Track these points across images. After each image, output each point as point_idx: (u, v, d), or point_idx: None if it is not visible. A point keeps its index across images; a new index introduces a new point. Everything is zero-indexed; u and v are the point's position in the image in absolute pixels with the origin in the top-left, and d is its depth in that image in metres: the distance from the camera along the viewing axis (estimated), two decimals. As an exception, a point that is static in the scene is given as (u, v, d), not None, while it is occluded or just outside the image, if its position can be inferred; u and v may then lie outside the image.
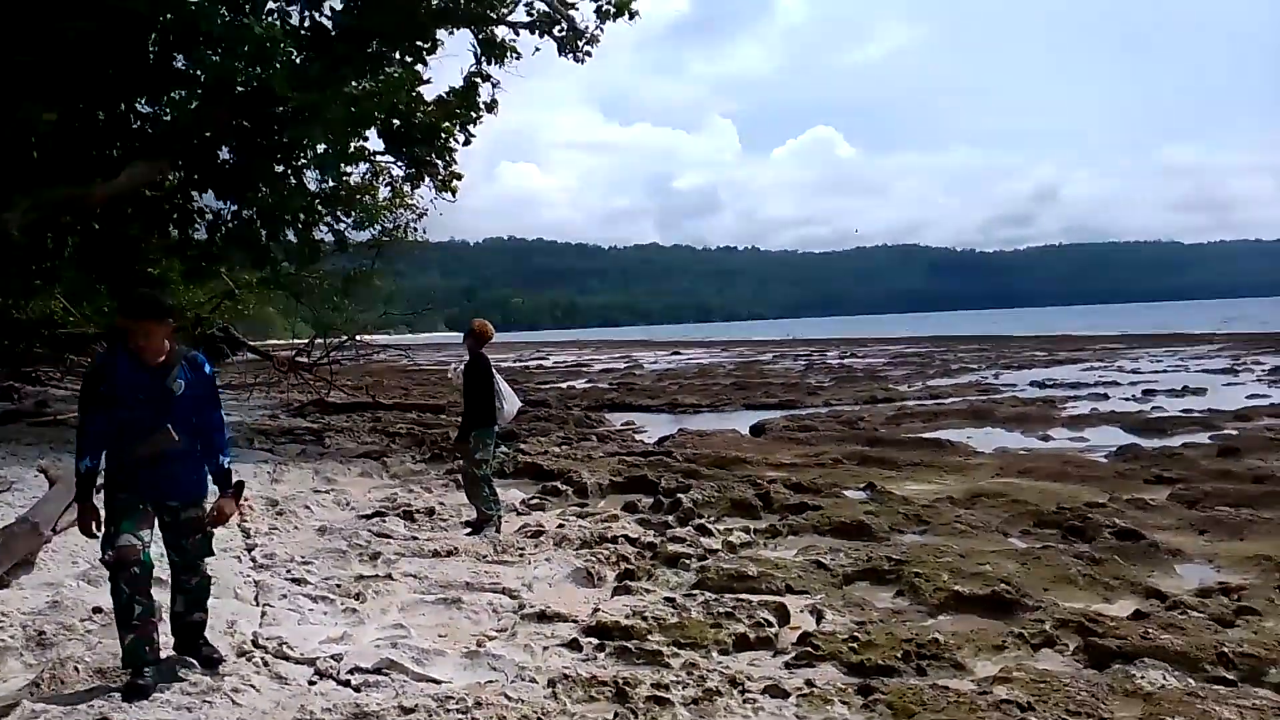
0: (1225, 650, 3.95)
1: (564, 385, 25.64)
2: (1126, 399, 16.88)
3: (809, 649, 4.06)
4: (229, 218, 13.68)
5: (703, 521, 6.70)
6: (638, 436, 13.42)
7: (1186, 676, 3.75)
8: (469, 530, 6.57)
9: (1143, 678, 3.61)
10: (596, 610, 4.52)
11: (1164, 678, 3.64)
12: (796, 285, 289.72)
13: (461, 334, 7.05)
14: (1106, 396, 17.43)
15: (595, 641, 4.13)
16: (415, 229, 15.98)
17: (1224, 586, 5.18)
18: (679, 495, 7.52)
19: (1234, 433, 11.64)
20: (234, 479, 3.81)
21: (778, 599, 4.80)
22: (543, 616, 4.53)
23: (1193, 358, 28.69)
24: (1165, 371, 23.48)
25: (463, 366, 6.85)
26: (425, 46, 12.46)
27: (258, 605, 4.84)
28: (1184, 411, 14.00)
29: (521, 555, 5.84)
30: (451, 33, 13.00)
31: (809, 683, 3.72)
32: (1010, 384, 21.35)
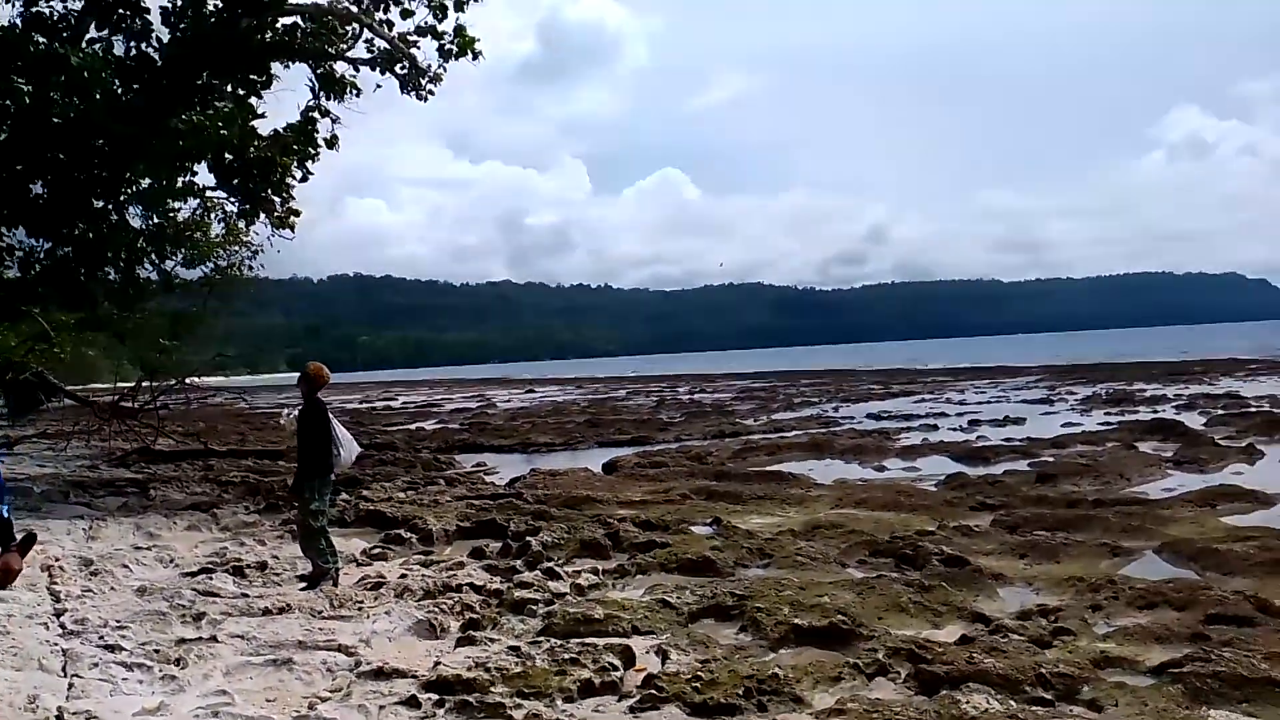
0: (1043, 671, 4.19)
1: (413, 426, 25.04)
2: (954, 429, 17.86)
3: (653, 691, 4.07)
4: (42, 255, 12.74)
5: (551, 565, 6.64)
6: (488, 478, 13.21)
7: (1008, 699, 3.95)
8: (304, 585, 6.27)
9: (968, 702, 3.78)
10: (438, 664, 4.39)
11: (987, 701, 3.82)
12: (648, 322, 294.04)
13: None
14: (936, 427, 18.39)
15: (435, 697, 4.00)
16: (251, 266, 15.32)
17: (1042, 608, 5.51)
18: (528, 538, 7.43)
19: (1050, 459, 12.46)
20: (14, 531, 3.39)
21: (624, 641, 4.78)
22: (380, 673, 4.36)
23: (1013, 389, 30.68)
24: (989, 402, 24.99)
25: (297, 413, 6.58)
26: (260, 80, 12.05)
27: (65, 676, 4.47)
28: (1005, 440, 14.92)
29: (360, 609, 5.62)
30: (288, 66, 12.65)
31: (653, 726, 3.72)
32: (849, 416, 22.23)
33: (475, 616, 5.27)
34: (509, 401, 37.92)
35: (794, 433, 18.36)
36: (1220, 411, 18.37)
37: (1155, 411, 19.20)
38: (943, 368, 55.73)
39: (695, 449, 15.92)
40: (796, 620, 5.01)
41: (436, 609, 5.40)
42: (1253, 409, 18.63)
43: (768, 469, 12.69)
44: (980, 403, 24.99)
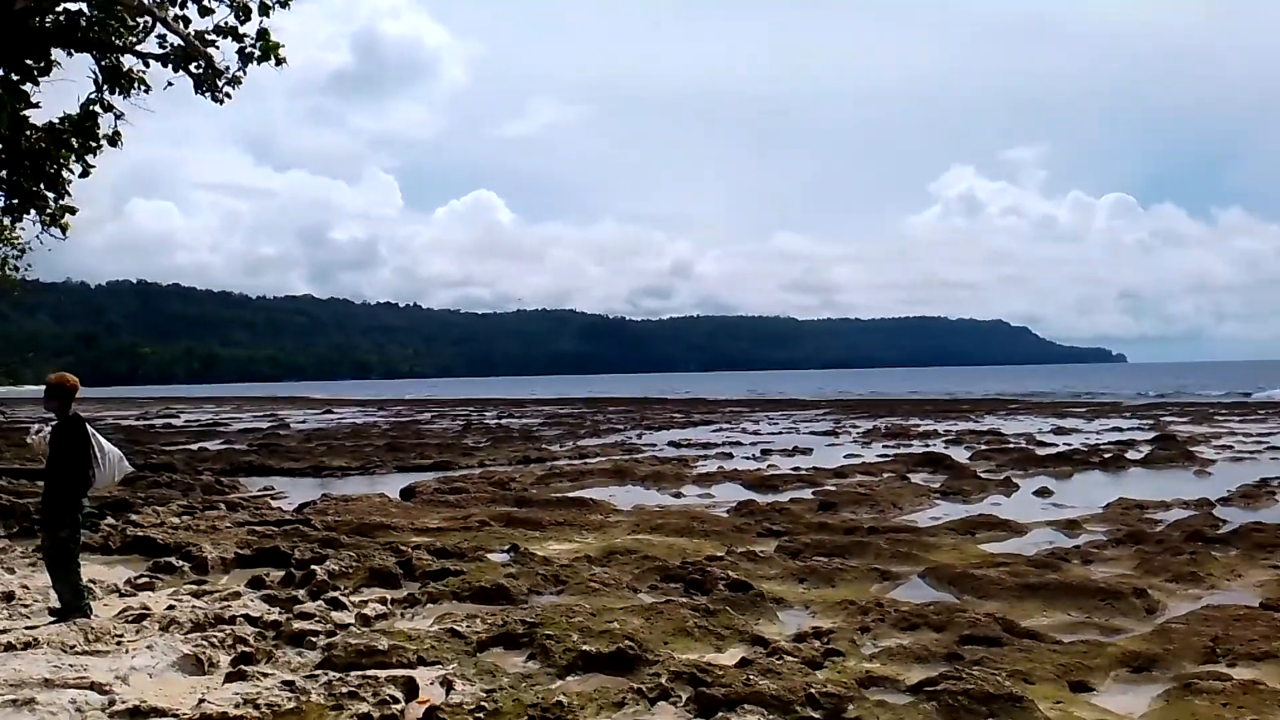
0: (813, 691, 4.41)
1: (195, 447, 23.47)
2: (748, 458, 18.58)
3: (434, 723, 3.98)
4: None
5: (337, 594, 6.38)
6: (275, 503, 12.55)
7: (780, 719, 4.13)
8: (53, 619, 5.72)
9: (741, 723, 3.93)
10: (202, 701, 4.12)
11: (759, 721, 3.98)
12: (458, 344, 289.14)
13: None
14: (731, 455, 19.07)
15: (197, 737, 3.76)
16: (16, 267, 13.99)
17: (816, 630, 5.80)
18: (313, 567, 7.12)
19: (833, 488, 13.17)
20: None
21: (407, 673, 4.66)
22: (137, 713, 4.05)
23: (803, 421, 32.29)
24: (780, 433, 26.17)
25: (48, 430, 5.94)
26: (37, 66, 11.08)
27: None
28: (793, 469, 15.66)
29: (119, 643, 5.19)
30: (70, 54, 11.69)
31: (432, 759, 3.65)
32: (651, 444, 22.70)
33: (248, 650, 4.98)
34: (304, 422, 36.25)
35: (598, 459, 18.53)
36: (983, 446, 20.05)
37: (927, 445, 20.70)
38: (741, 398, 57.94)
39: (499, 474, 15.76)
40: (585, 647, 5.05)
41: (206, 642, 5.06)
42: (1011, 445, 20.46)
43: (570, 495, 12.75)
44: (773, 433, 26.13)
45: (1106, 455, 17.38)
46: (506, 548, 8.51)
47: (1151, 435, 22.14)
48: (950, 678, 4.57)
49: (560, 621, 5.55)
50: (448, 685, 4.53)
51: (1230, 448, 19.13)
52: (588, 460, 18.43)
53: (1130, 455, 17.51)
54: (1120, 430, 25.23)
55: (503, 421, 34.89)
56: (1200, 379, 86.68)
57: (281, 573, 7.18)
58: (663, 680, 4.57)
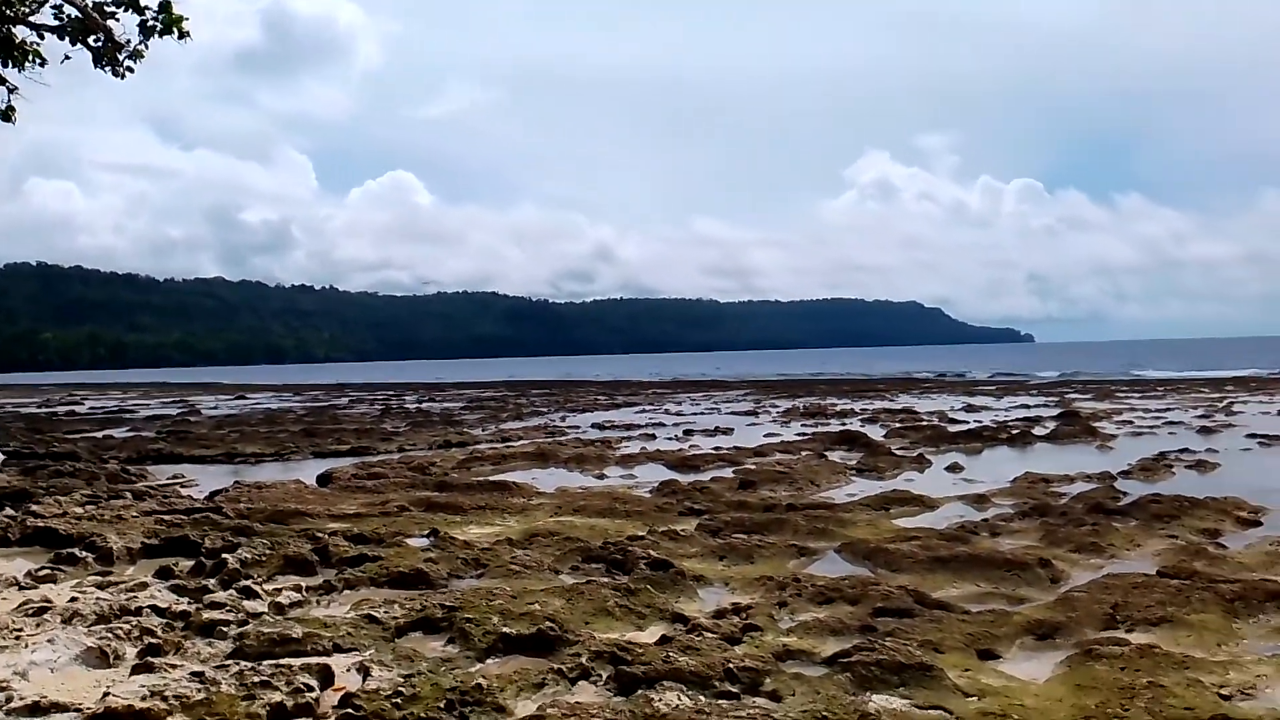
0: (731, 666, 4.47)
1: (100, 434, 22.62)
2: (670, 438, 18.70)
3: (350, 710, 3.93)
4: None
5: (249, 583, 6.23)
6: (185, 491, 12.18)
7: (698, 694, 4.18)
8: (-54, 614, 5.47)
9: (661, 700, 3.97)
10: (107, 694, 3.98)
11: (678, 697, 4.03)
12: (377, 328, 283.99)
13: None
14: (654, 436, 19.17)
15: (101, 732, 3.64)
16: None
17: (735, 606, 5.88)
18: (224, 555, 6.93)
19: (753, 467, 13.33)
20: None
21: (323, 660, 4.59)
22: (37, 709, 3.90)
23: (724, 401, 32.63)
24: (702, 414, 26.41)
25: None
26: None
27: None
28: (715, 449, 15.82)
29: (17, 638, 4.99)
30: (-44, 24, 11.10)
31: (348, 746, 3.60)
32: (575, 426, 22.68)
33: (155, 641, 4.82)
34: (215, 408, 35.24)
35: (521, 442, 18.44)
36: (897, 424, 20.53)
37: (844, 424, 21.11)
38: (664, 380, 58.28)
39: (419, 459, 15.56)
40: (505, 629, 5.03)
41: (111, 634, 4.90)
42: (924, 422, 21.00)
43: (492, 479, 12.65)
44: (695, 414, 26.35)
45: (1014, 431, 17.96)
46: (426, 532, 8.42)
47: (1057, 412, 22.94)
48: (864, 649, 4.69)
49: (480, 605, 5.52)
50: (364, 672, 4.47)
51: (1130, 423, 19.96)
52: (510, 443, 18.32)
53: (1037, 431, 18.14)
54: (1028, 407, 26.10)
55: (423, 405, 34.44)
56: (1103, 358, 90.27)
57: (191, 562, 6.98)
58: (583, 660, 4.59)
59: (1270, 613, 5.57)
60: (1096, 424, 19.20)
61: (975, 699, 4.20)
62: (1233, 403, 25.34)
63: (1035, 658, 5.00)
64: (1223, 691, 4.27)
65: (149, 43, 11.56)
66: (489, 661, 4.75)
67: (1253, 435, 16.48)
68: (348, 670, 4.54)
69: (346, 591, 6.28)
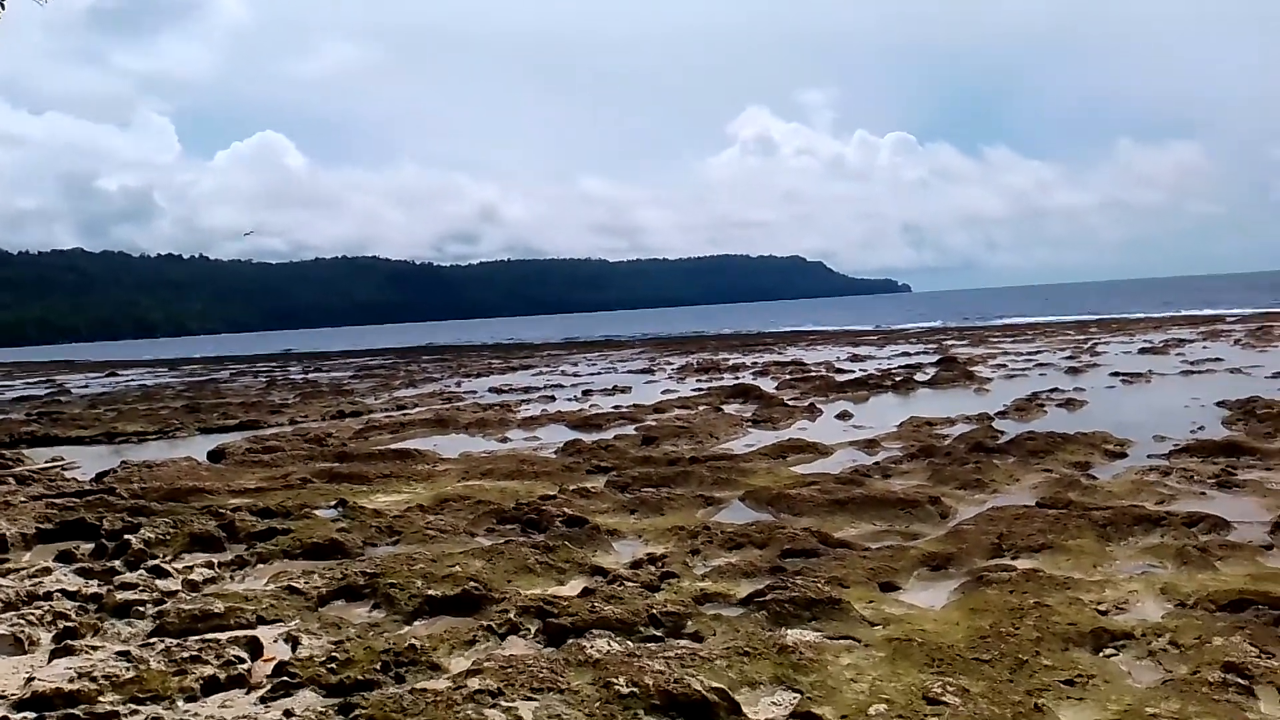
0: (654, 612, 4.68)
1: (-39, 420, 21.30)
2: (570, 400, 18.83)
3: (285, 678, 3.97)
4: None
5: (158, 562, 6.11)
6: (69, 474, 11.68)
7: (626, 639, 4.37)
8: None
9: (592, 647, 4.14)
10: (31, 679, 3.91)
11: (608, 644, 4.20)
12: (252, 297, 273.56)
13: None
14: (554, 398, 19.26)
15: (33, 715, 3.58)
16: None
17: (651, 557, 6.10)
18: (126, 536, 6.75)
19: (653, 424, 13.59)
20: None
21: (249, 633, 4.58)
22: (-46, 701, 3.80)
23: (620, 361, 32.89)
24: (599, 374, 26.60)
25: None
26: None
27: None
28: (615, 408, 16.02)
29: (-82, 632, 4.80)
30: None
31: (287, 712, 3.65)
32: (471, 391, 22.55)
33: (71, 625, 4.72)
34: (86, 387, 33.55)
35: (417, 409, 18.27)
36: (788, 376, 21.16)
37: (737, 378, 21.62)
38: (559, 341, 58.22)
39: (313, 431, 15.28)
40: (430, 591, 5.11)
41: (22, 621, 4.76)
42: (813, 373, 21.69)
43: (392, 447, 12.55)
44: (592, 374, 26.52)
45: (898, 379, 18.76)
46: (334, 503, 8.35)
47: (936, 359, 24.02)
48: (776, 588, 4.96)
49: (401, 570, 5.58)
50: (293, 641, 4.50)
51: (1004, 366, 21.07)
52: (406, 411, 18.13)
53: (918, 378, 18.97)
54: (908, 355, 27.21)
55: (309, 376, 33.58)
56: (976, 304, 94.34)
57: (92, 545, 6.77)
58: (511, 616, 4.72)
59: (1138, 535, 6.11)
60: (973, 368, 20.21)
61: (880, 627, 4.51)
62: (1096, 344, 26.99)
63: (931, 587, 5.37)
64: (1100, 607, 4.71)
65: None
66: (417, 624, 4.83)
67: (1116, 374, 17.65)
68: (275, 641, 4.55)
69: (260, 565, 6.23)
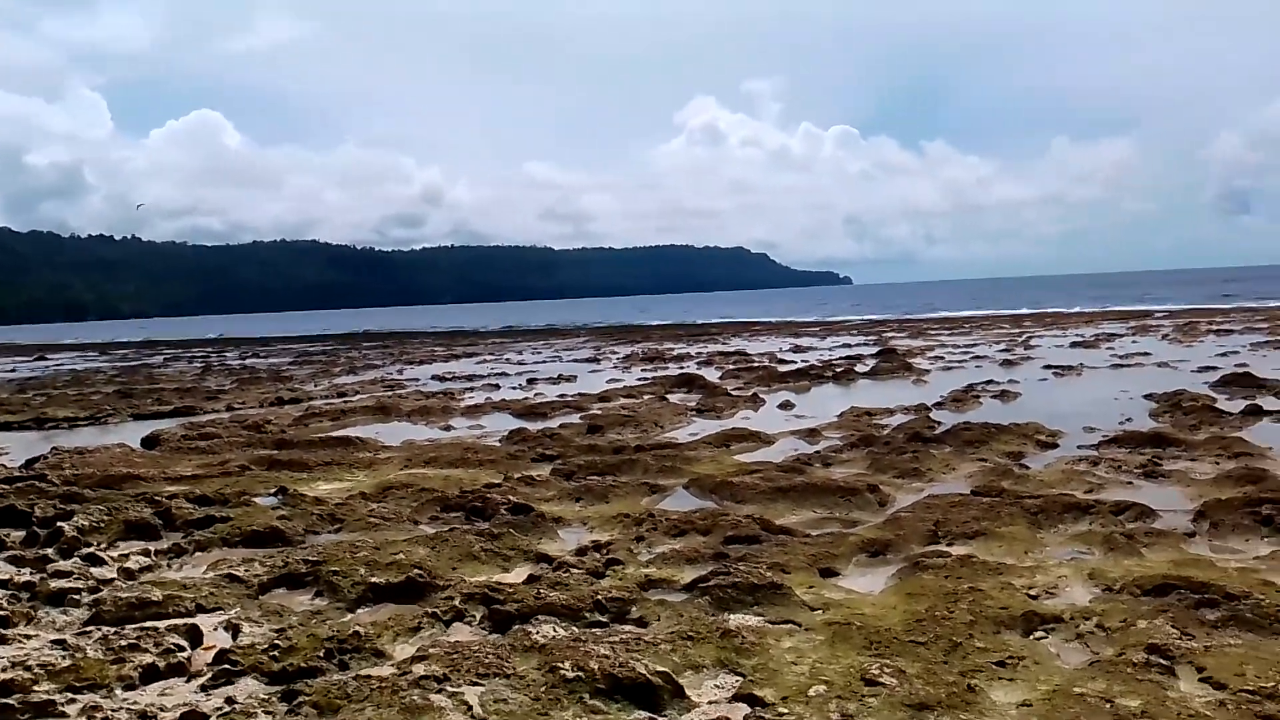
0: (599, 598, 4.72)
1: (-122, 404, 20.50)
2: (514, 388, 18.76)
3: (227, 666, 3.93)
4: None
5: (92, 550, 5.99)
6: (-5, 460, 11.36)
7: (571, 625, 4.41)
8: None
9: (537, 633, 4.17)
10: (-40, 671, 3.82)
11: (554, 629, 4.24)
12: (188, 280, 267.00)
13: None
14: (498, 386, 19.18)
15: (-39, 707, 3.51)
16: None
17: (596, 544, 6.14)
18: (59, 524, 6.60)
19: (599, 412, 13.63)
20: None
21: (188, 621, 4.53)
22: (-121, 692, 3.69)
23: (565, 349, 32.85)
24: (544, 362, 26.54)
25: None
26: None
27: None
28: (560, 396, 16.03)
29: None
30: None
31: (229, 700, 3.63)
32: (414, 378, 22.34)
33: (4, 613, 4.61)
34: (13, 371, 32.54)
35: (359, 396, 18.06)
36: (731, 366, 21.34)
37: (682, 367, 21.76)
38: (503, 328, 57.90)
39: (252, 417, 15.02)
40: (373, 579, 5.10)
41: (-51, 611, 4.65)
42: (756, 363, 21.90)
43: (333, 434, 12.41)
44: (537, 362, 26.45)
45: (839, 369, 19.03)
46: (274, 491, 8.24)
47: (876, 350, 24.41)
48: (720, 574, 5.04)
49: (344, 557, 5.54)
50: (234, 629, 4.45)
51: (942, 358, 21.49)
52: (348, 398, 17.91)
53: (859, 368, 19.28)
54: (849, 346, 27.62)
55: (247, 361, 32.96)
56: (916, 297, 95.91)
57: (23, 533, 6.60)
58: (456, 603, 4.72)
59: (1067, 523, 6.32)
60: (912, 360, 20.59)
61: (821, 611, 4.61)
62: (1030, 337, 27.65)
63: (870, 572, 5.50)
64: (1031, 592, 4.87)
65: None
66: (360, 611, 4.82)
67: (1048, 366, 18.13)
68: (215, 629, 4.50)
69: (198, 553, 6.14)
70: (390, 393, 18.53)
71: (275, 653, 4.03)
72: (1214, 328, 28.08)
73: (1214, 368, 16.13)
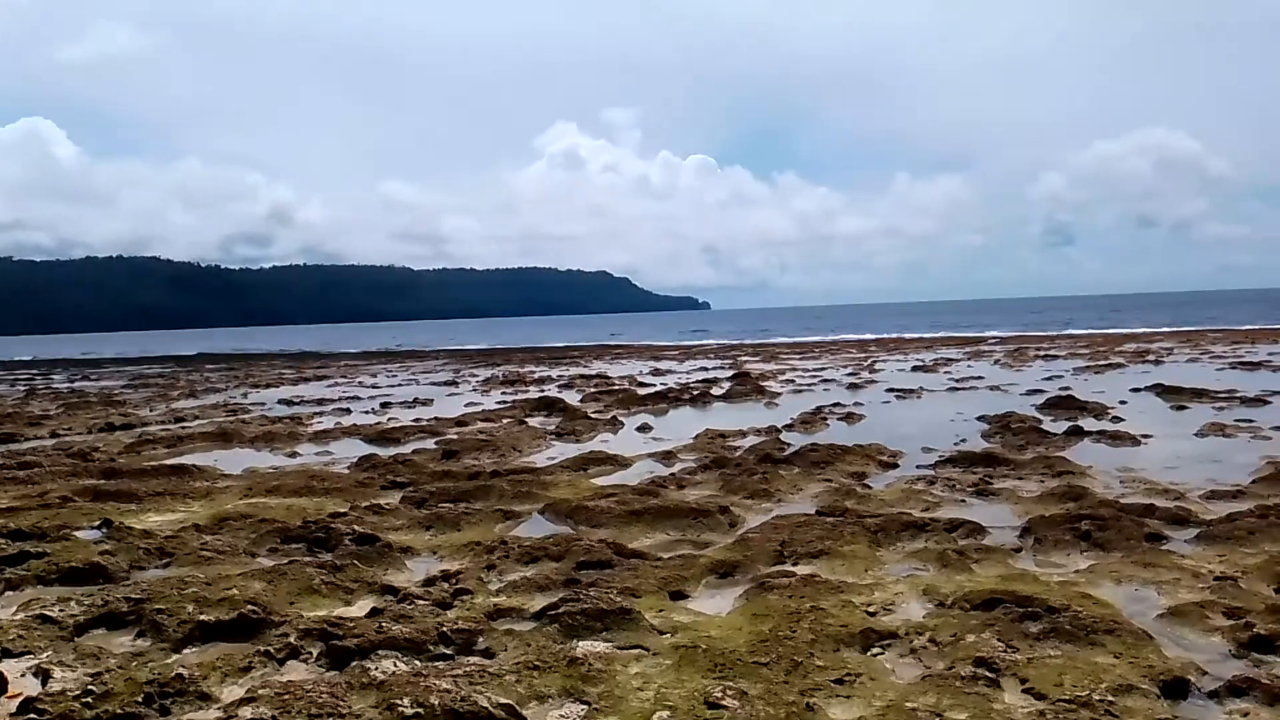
0: (444, 629, 4.60)
1: None
2: (367, 412, 18.23)
3: (33, 716, 3.62)
4: None
5: (-122, 593, 5.43)
6: None
7: (414, 659, 4.28)
8: None
9: (377, 668, 4.02)
10: None
11: (394, 664, 4.10)
12: (12, 298, 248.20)
13: None
14: (350, 411, 18.59)
15: None
16: None
17: (445, 573, 6.00)
18: None
19: (455, 437, 13.39)
20: None
21: (-11, 668, 4.15)
22: None
23: (422, 372, 32.17)
24: (400, 385, 25.90)
25: None
26: None
27: None
28: (415, 421, 15.66)
29: None
30: None
31: (32, 755, 3.34)
32: (260, 403, 21.40)
33: None
34: None
35: (198, 422, 17.15)
36: (592, 389, 21.39)
37: (542, 391, 21.65)
38: (357, 351, 56.26)
39: (78, 445, 14.03)
40: (202, 617, 4.81)
41: None
42: (616, 386, 22.03)
43: (167, 463, 11.70)
44: (392, 385, 25.79)
45: (695, 392, 19.35)
46: (98, 523, 7.70)
47: (731, 373, 24.95)
48: (569, 600, 4.99)
49: (171, 594, 5.21)
50: (44, 675, 4.11)
51: (792, 381, 22.16)
52: (186, 424, 16.98)
53: (714, 391, 19.65)
54: (706, 370, 28.13)
55: (76, 385, 30.83)
56: (769, 322, 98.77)
57: None
58: (291, 639, 4.51)
59: (905, 540, 6.58)
60: (764, 383, 21.15)
61: (669, 635, 4.64)
62: (875, 361, 28.87)
63: (719, 594, 5.57)
64: (869, 609, 5.04)
65: None
66: (187, 651, 4.53)
67: (891, 389, 18.96)
68: (23, 675, 4.15)
69: (9, 592, 5.65)
70: (233, 418, 17.68)
71: (89, 699, 3.74)
72: (1041, 353, 30.05)
73: (1041, 391, 17.25)
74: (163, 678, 3.95)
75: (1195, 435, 11.35)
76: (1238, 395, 15.15)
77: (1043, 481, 8.71)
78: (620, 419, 15.19)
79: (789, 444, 11.49)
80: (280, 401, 21.43)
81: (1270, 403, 14.23)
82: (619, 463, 10.58)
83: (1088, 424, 12.39)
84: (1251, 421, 12.19)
